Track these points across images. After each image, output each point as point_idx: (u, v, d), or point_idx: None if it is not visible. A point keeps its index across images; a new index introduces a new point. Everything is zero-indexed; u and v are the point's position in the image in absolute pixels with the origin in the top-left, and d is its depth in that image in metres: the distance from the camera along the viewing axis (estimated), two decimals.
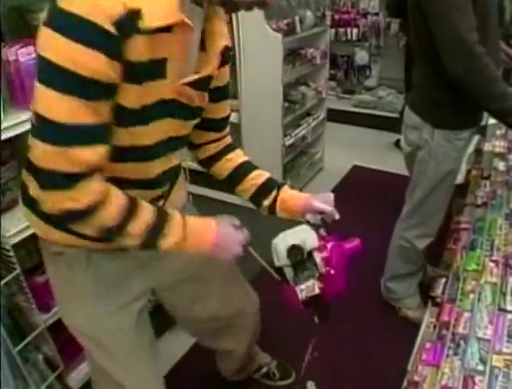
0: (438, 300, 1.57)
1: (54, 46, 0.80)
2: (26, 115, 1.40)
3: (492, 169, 2.14)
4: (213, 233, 1.10)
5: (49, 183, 0.89)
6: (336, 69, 5.26)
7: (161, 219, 1.02)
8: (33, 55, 1.46)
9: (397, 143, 3.95)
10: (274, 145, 3.11)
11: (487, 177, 2.13)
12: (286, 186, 1.31)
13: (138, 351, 1.32)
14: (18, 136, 1.46)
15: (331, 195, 1.24)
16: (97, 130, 0.87)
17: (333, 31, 5.14)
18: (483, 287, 1.40)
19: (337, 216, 1.21)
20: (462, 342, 1.25)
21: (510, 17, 3.57)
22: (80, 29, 0.78)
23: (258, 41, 2.85)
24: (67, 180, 0.87)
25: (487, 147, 2.41)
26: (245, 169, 1.32)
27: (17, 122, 1.44)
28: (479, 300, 1.36)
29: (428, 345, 1.34)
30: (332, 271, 1.14)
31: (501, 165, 2.13)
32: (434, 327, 1.46)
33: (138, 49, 0.85)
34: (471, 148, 2.62)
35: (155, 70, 0.92)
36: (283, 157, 3.19)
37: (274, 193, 1.29)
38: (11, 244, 1.50)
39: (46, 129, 0.84)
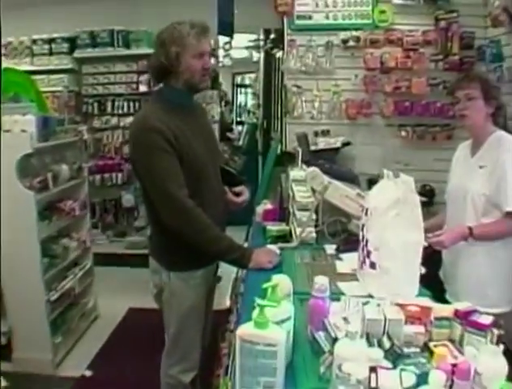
0: None
1: None
2: None
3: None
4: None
5: None
6: (105, 213, 5.39)
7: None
8: None
9: None
10: (37, 303, 2.94)
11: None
12: None
13: None
14: None
15: None
16: None
17: (99, 177, 5.34)
18: None
19: None
20: None
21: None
22: None
23: (10, 201, 2.79)
24: None
25: (240, 273, 2.65)
26: None
27: None
28: None
29: None
30: None
31: None
32: None
33: None
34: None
35: None
36: (48, 313, 3.02)
37: None
38: None
39: None
